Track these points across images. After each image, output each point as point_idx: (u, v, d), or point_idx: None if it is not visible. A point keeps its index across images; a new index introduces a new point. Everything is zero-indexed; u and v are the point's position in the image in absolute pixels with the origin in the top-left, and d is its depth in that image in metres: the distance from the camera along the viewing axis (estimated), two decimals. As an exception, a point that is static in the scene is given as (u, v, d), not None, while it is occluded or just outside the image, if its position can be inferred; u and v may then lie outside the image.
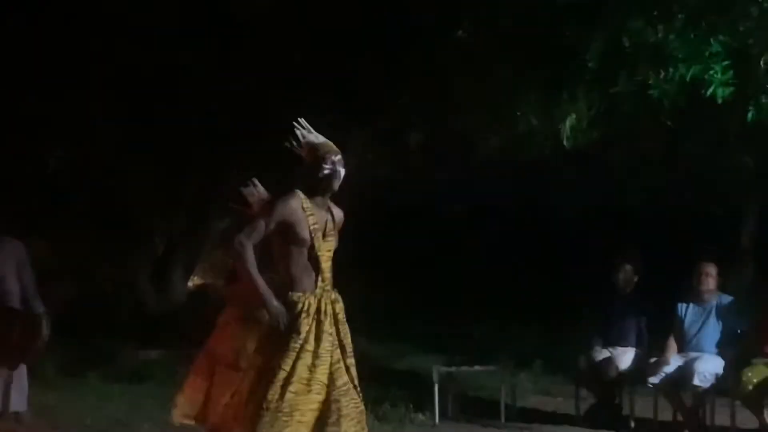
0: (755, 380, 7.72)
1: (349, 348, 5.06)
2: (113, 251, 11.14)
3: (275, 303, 4.89)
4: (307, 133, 5.15)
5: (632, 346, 8.51)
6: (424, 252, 12.83)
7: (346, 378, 4.99)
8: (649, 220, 11.33)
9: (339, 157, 5.08)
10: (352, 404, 4.96)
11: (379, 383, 8.37)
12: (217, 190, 9.45)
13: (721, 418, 8.14)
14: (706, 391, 8.01)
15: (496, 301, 11.30)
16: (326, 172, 5.04)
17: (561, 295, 10.84)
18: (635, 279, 8.63)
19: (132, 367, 9.55)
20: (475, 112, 8.40)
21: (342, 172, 5.09)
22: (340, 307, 5.08)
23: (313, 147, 5.09)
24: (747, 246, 10.32)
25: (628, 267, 8.63)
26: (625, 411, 8.53)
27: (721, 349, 8.12)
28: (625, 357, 8.48)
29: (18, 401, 6.98)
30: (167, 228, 10.90)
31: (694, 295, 8.31)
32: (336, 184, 5.10)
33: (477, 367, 9.03)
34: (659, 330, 8.44)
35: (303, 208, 4.99)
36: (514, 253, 12.66)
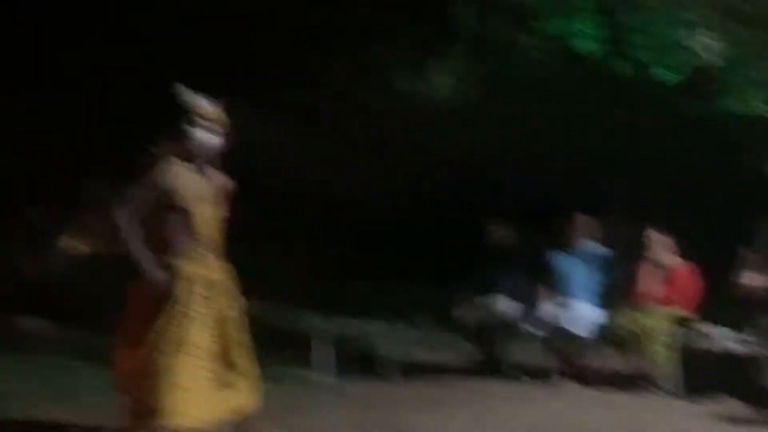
0: (626, 326, 8.07)
1: (236, 319, 5.07)
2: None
3: (154, 271, 4.87)
4: (189, 97, 5.09)
5: (510, 298, 8.77)
6: (317, 218, 12.86)
7: (228, 349, 5.02)
8: (527, 174, 11.58)
9: (215, 124, 5.05)
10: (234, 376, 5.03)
11: (266, 345, 8.43)
12: (94, 156, 9.30)
13: (595, 363, 8.50)
14: (581, 337, 8.33)
15: (381, 260, 11.45)
16: (198, 137, 5.01)
17: (443, 252, 11.05)
18: (511, 234, 8.90)
19: (8, 337, 9.36)
20: (351, 68, 8.44)
21: (218, 138, 5.05)
22: (226, 275, 5.07)
23: (191, 111, 5.05)
24: (619, 197, 10.68)
25: (504, 223, 8.92)
26: (504, 360, 8.81)
27: (594, 297, 8.44)
28: (504, 308, 8.74)
29: None
30: (45, 194, 10.67)
31: (568, 246, 8.60)
32: (210, 150, 5.06)
33: (362, 324, 9.20)
34: (536, 281, 8.71)
35: (178, 175, 4.96)
36: (401, 213, 12.79)
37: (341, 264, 12.05)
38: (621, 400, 7.63)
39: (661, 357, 7.88)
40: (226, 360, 5.00)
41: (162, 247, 4.95)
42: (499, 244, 8.97)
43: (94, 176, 9.47)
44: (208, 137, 5.02)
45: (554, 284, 8.60)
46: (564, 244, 8.66)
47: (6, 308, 9.95)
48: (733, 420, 6.79)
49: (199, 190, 5.00)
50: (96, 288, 9.79)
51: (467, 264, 9.22)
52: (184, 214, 4.95)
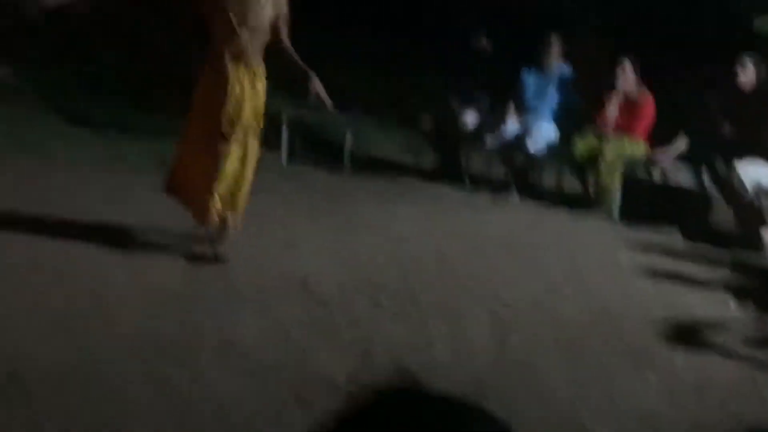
0: (584, 150, 8.42)
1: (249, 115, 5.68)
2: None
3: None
4: None
5: (475, 109, 9.06)
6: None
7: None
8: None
9: None
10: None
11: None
12: None
13: (548, 182, 8.89)
14: (538, 155, 8.69)
15: (350, 50, 11.60)
16: None
17: (421, 56, 11.19)
18: (488, 47, 9.11)
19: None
20: None
21: None
22: (260, 76, 5.69)
23: None
24: (591, 16, 10.78)
25: (483, 36, 9.12)
26: (462, 168, 9.17)
27: (557, 117, 8.75)
28: (468, 118, 9.04)
29: None
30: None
31: (538, 64, 8.83)
32: None
33: (326, 113, 9.47)
34: (504, 97, 8.97)
35: None
36: (388, 11, 12.81)
37: (317, 52, 12.14)
38: (564, 218, 8.05)
39: (612, 182, 8.26)
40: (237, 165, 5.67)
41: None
42: (475, 56, 9.19)
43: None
44: None
45: (520, 101, 8.88)
46: (536, 63, 8.88)
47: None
48: (664, 250, 7.19)
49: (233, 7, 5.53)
50: (66, 40, 9.94)
51: (442, 70, 9.46)
52: (227, 22, 5.54)
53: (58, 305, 4.60)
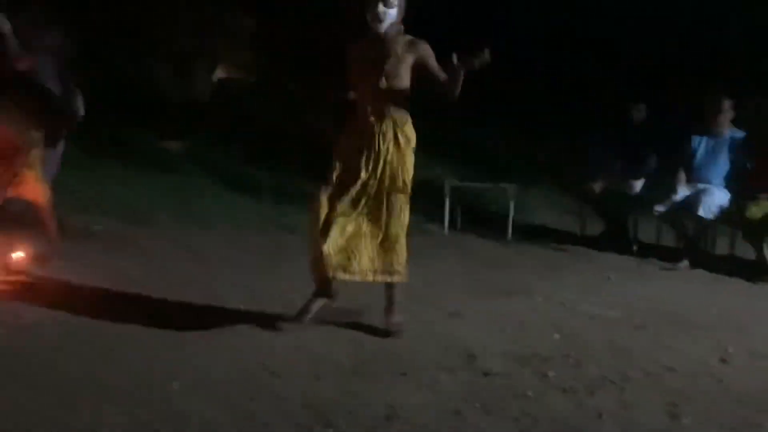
0: (758, 215, 8.19)
1: (389, 170, 5.51)
2: (133, 41, 11.35)
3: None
4: None
5: (643, 175, 8.94)
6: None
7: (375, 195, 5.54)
8: (664, 53, 11.56)
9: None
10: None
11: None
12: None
13: (721, 249, 8.66)
14: (710, 221, 8.48)
15: (513, 120, 11.65)
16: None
17: (577, 117, 11.15)
18: (646, 111, 9.04)
19: (153, 157, 9.92)
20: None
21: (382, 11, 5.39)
22: (398, 133, 5.48)
23: None
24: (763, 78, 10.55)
25: (642, 104, 9.05)
26: (630, 236, 9.04)
27: (729, 182, 8.54)
28: (636, 184, 8.93)
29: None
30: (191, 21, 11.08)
31: (708, 128, 8.66)
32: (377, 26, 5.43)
33: (488, 183, 9.52)
34: (670, 160, 8.83)
35: (358, 46, 5.51)
36: (538, 74, 12.86)
37: (479, 122, 12.26)
38: (737, 287, 7.82)
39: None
40: (377, 224, 5.54)
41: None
42: (638, 125, 9.12)
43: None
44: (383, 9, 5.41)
45: (690, 166, 8.71)
46: (705, 127, 8.71)
47: (150, 129, 10.54)
48: None
49: (370, 58, 5.44)
50: (236, 115, 10.30)
51: (606, 138, 9.39)
52: (363, 79, 5.48)
53: (226, 375, 4.71)
